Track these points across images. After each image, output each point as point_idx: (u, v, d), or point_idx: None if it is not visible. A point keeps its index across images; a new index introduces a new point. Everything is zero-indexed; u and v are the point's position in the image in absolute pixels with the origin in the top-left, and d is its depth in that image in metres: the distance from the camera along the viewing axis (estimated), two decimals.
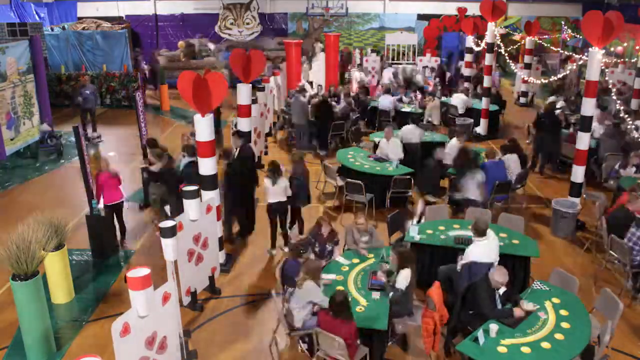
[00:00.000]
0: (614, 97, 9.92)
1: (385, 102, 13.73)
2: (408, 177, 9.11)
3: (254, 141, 11.30)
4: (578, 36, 20.53)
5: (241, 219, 8.35)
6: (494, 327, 5.01)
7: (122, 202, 8.04)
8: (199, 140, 6.94)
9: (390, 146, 9.91)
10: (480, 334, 4.95)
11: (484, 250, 6.06)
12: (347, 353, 4.98)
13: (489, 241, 6.15)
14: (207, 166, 7.06)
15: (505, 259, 6.64)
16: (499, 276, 5.38)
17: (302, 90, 13.61)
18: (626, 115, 9.58)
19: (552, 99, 13.95)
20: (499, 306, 5.37)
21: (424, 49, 22.51)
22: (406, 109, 13.86)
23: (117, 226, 8.14)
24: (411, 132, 10.62)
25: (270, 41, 22.90)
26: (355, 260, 6.44)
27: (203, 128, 6.87)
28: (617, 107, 9.57)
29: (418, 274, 7.03)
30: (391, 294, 5.66)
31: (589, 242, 8.24)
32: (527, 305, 5.35)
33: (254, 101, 11.32)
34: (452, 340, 5.68)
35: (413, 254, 6.12)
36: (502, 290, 5.44)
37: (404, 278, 5.66)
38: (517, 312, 5.28)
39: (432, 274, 6.94)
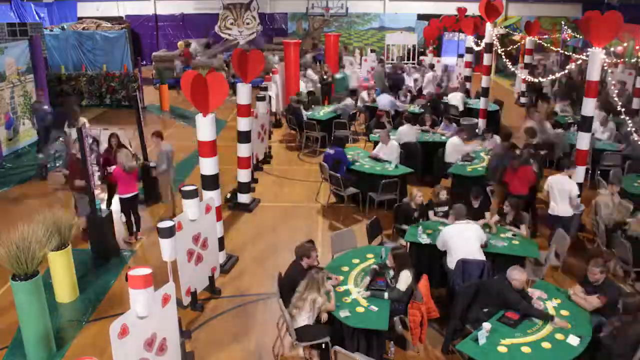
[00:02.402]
0: (615, 99, 9.91)
1: (384, 101, 13.72)
2: (395, 179, 9.05)
3: (260, 138, 11.32)
4: (578, 36, 20.54)
5: None
6: (487, 325, 5.01)
7: (138, 194, 8.35)
8: (200, 140, 6.95)
9: (388, 150, 9.88)
10: (480, 334, 4.95)
11: (458, 229, 6.45)
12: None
13: (466, 226, 6.50)
14: (208, 166, 7.06)
15: (506, 259, 6.65)
16: (520, 274, 5.43)
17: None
18: (627, 118, 9.55)
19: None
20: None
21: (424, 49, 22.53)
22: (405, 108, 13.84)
23: (133, 219, 8.32)
24: (406, 132, 10.63)
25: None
26: (355, 261, 6.44)
27: (204, 128, 6.88)
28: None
29: (418, 273, 7.07)
30: (386, 294, 5.68)
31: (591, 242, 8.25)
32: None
33: (262, 99, 11.33)
34: (452, 341, 5.69)
35: (408, 255, 6.17)
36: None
37: (404, 280, 5.72)
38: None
39: (432, 273, 6.95)
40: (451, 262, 6.37)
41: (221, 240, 7.48)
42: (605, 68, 7.99)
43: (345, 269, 6.27)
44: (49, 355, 5.76)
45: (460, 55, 20.06)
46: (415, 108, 13.75)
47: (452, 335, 5.72)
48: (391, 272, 5.92)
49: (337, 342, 5.40)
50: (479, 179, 9.07)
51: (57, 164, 10.97)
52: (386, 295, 5.65)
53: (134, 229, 8.33)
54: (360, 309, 5.47)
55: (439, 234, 6.70)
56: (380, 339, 5.47)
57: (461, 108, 13.69)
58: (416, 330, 5.51)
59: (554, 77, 12.11)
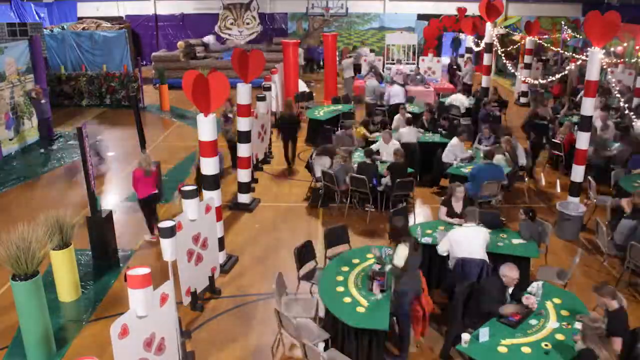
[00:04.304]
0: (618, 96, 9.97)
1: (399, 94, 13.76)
2: (411, 178, 9.09)
3: (261, 138, 11.32)
4: (578, 36, 20.55)
5: None
6: (484, 331, 4.99)
7: (156, 194, 8.26)
8: (201, 139, 6.96)
9: (390, 149, 9.89)
10: (482, 332, 4.94)
11: (464, 233, 6.29)
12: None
13: (472, 229, 6.35)
14: (210, 166, 7.07)
15: (505, 259, 6.65)
16: (509, 271, 5.45)
17: None
18: (632, 114, 9.60)
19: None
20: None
21: (425, 49, 22.53)
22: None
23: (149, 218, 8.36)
24: (407, 133, 10.64)
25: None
26: (355, 261, 6.44)
27: (205, 127, 6.88)
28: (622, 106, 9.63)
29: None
30: (388, 266, 5.67)
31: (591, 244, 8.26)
32: (529, 299, 5.39)
33: (262, 99, 11.33)
34: (452, 345, 5.66)
35: (406, 226, 6.03)
36: (511, 289, 5.49)
37: (400, 255, 5.59)
38: (508, 309, 5.32)
39: (431, 273, 6.96)
40: (451, 262, 6.36)
41: (221, 240, 7.48)
42: (604, 68, 8.02)
43: (345, 269, 6.27)
44: (49, 355, 5.76)
45: (461, 56, 20.07)
46: (415, 108, 13.77)
47: (453, 341, 5.66)
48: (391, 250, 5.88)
49: (338, 342, 5.44)
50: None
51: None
52: (387, 267, 5.68)
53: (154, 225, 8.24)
54: (360, 309, 5.48)
55: (442, 236, 6.58)
56: (380, 339, 5.47)
57: (462, 110, 13.71)
58: (418, 324, 5.52)
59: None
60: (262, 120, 11.34)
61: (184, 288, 6.40)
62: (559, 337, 5.01)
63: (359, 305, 5.54)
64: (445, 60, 20.66)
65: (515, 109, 16.91)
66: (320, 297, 5.81)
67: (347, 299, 5.63)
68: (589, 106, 8.08)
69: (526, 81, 14.48)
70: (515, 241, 6.89)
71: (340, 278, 6.06)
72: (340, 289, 5.83)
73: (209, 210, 6.79)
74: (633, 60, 14.74)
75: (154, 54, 20.98)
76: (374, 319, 5.34)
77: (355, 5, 23.25)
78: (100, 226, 7.69)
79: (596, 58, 7.80)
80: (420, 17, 23.67)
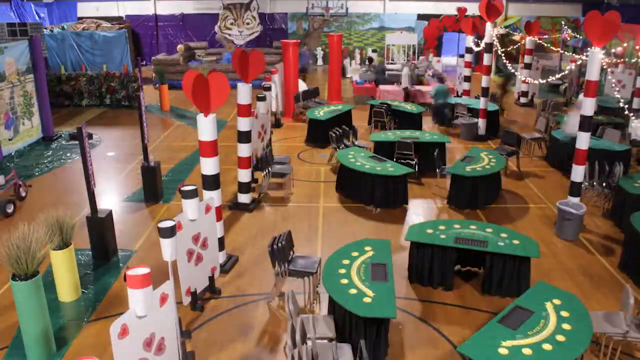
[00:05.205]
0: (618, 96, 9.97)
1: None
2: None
3: (261, 138, 11.31)
4: (578, 36, 20.55)
5: None
6: None
7: None
8: (201, 139, 6.96)
9: None
10: None
11: None
12: None
13: None
14: (209, 166, 7.07)
15: (505, 259, 6.66)
16: None
17: None
18: (631, 115, 9.60)
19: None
20: None
21: (424, 49, 22.54)
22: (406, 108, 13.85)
23: None
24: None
25: None
26: (355, 254, 6.45)
27: (205, 127, 6.88)
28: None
29: (418, 274, 7.08)
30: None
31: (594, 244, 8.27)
32: None
33: (262, 99, 11.33)
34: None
35: None
36: None
37: None
38: None
39: (432, 273, 6.96)
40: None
41: (221, 240, 7.48)
42: (604, 68, 8.03)
43: (346, 262, 6.29)
44: (49, 355, 5.76)
45: (461, 56, 20.04)
46: (413, 108, 13.79)
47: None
48: None
49: (346, 333, 5.50)
50: (477, 179, 9.13)
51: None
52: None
53: None
54: (367, 300, 5.54)
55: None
56: (387, 327, 5.53)
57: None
58: None
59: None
60: (262, 120, 11.34)
61: (184, 288, 6.40)
62: (560, 338, 5.01)
63: (365, 296, 5.61)
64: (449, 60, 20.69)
65: (516, 109, 16.93)
66: (326, 290, 5.85)
67: (353, 291, 5.69)
68: (589, 106, 8.08)
69: (526, 81, 14.48)
70: (516, 241, 6.89)
71: (342, 271, 6.09)
72: (344, 281, 5.87)
73: (209, 210, 6.78)
74: (633, 60, 14.76)
75: (153, 57, 20.99)
76: (381, 308, 5.43)
77: (355, 5, 23.27)
78: (100, 226, 7.69)
79: (596, 58, 7.80)
80: (420, 17, 23.69)
